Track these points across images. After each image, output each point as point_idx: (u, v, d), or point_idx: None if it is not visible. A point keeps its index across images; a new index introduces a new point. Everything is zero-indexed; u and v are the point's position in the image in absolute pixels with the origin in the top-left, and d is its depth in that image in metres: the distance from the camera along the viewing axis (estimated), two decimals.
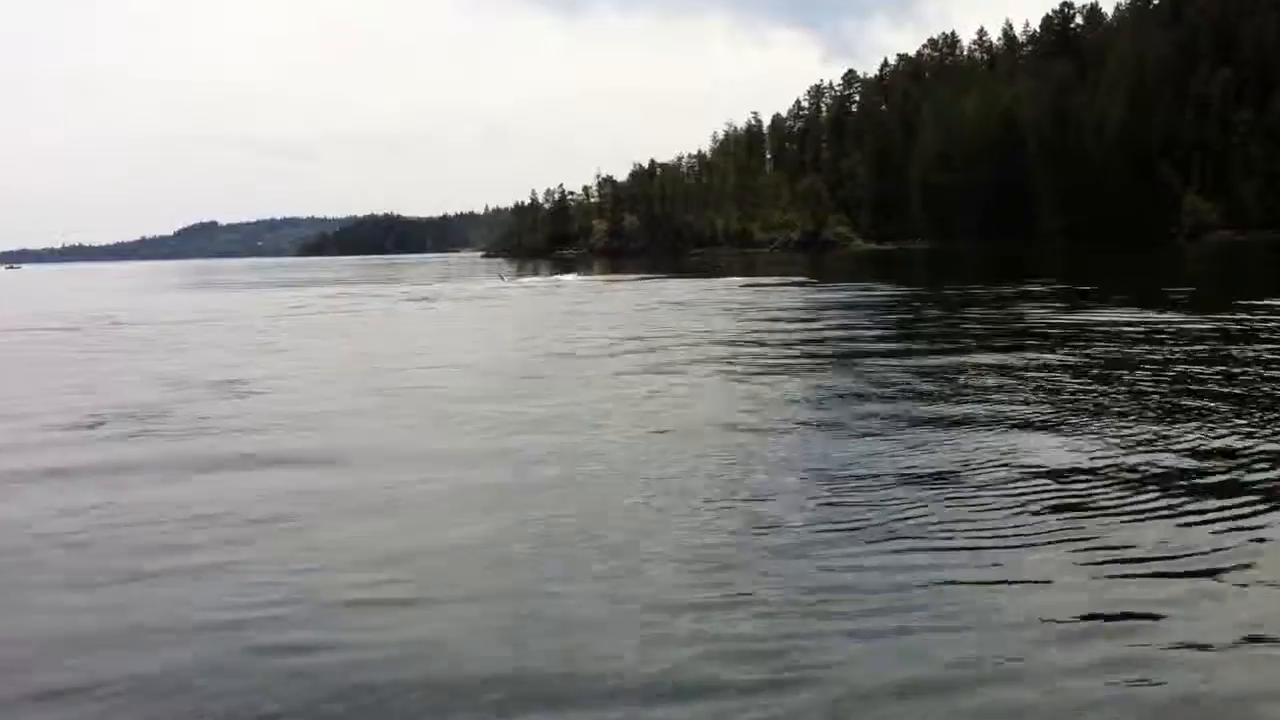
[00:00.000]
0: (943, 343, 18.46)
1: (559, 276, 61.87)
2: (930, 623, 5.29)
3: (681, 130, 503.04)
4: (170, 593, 6.13)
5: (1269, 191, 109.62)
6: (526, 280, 59.68)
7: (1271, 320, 19.99)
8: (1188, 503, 7.32)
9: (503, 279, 60.70)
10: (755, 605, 5.60)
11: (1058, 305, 26.18)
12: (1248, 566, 6.01)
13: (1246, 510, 7.11)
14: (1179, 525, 6.80)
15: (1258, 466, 8.34)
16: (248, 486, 8.69)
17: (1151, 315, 22.00)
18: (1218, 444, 9.22)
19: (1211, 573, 5.92)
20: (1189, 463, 8.55)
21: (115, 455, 10.19)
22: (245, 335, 25.07)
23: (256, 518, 7.64)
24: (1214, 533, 6.65)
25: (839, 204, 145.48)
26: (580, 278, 59.22)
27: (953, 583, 5.84)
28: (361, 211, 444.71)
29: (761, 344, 19.07)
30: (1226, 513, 7.05)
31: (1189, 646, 4.95)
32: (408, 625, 5.51)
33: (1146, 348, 16.31)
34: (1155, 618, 5.28)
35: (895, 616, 5.37)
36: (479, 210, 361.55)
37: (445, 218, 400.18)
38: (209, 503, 8.07)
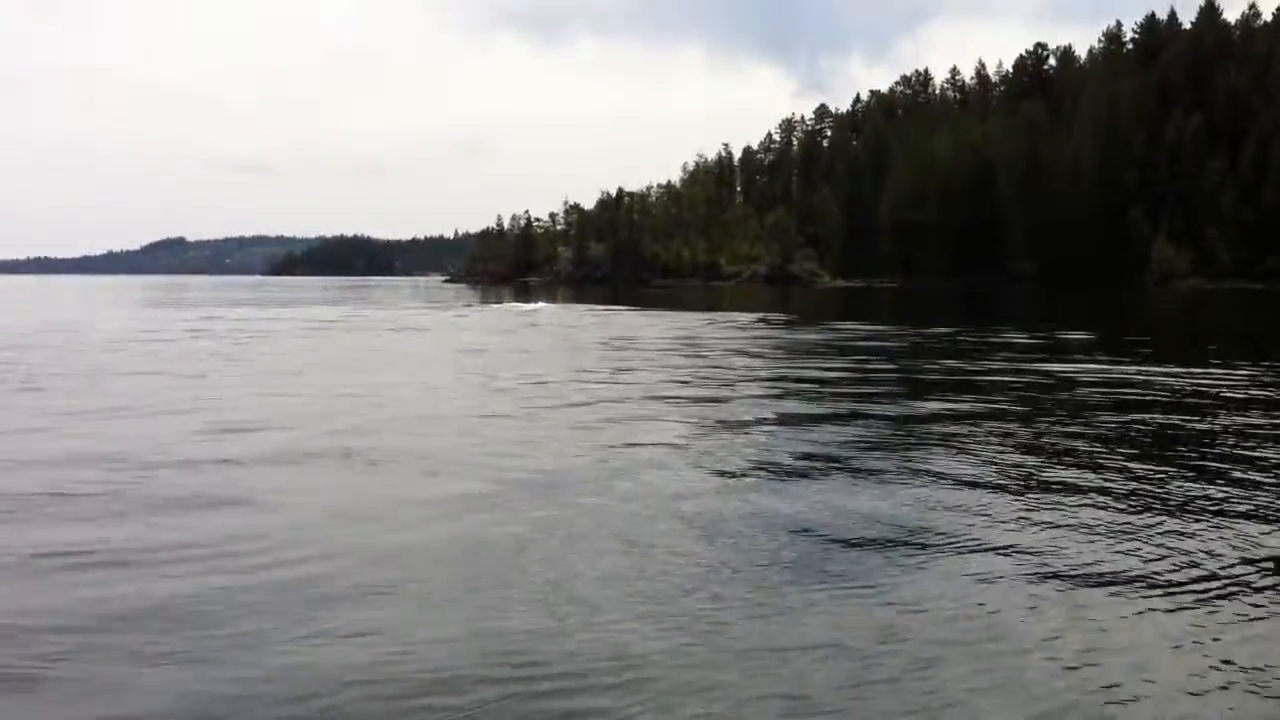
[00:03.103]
0: (908, 391, 15.77)
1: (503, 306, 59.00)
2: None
3: (653, 160, 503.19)
4: None
5: (1239, 240, 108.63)
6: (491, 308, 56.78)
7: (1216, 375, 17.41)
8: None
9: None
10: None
11: (1026, 353, 23.68)
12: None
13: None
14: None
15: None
16: None
17: (1109, 366, 19.47)
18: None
19: None
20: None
21: None
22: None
23: None
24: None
25: (807, 239, 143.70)
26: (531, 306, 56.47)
27: None
28: (331, 232, 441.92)
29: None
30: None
31: None
32: None
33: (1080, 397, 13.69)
34: None
35: None
36: (449, 234, 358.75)
37: (415, 241, 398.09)
38: None
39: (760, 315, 44.63)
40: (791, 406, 14.66)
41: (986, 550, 7.11)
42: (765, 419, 13.40)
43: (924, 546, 7.21)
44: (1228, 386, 16.71)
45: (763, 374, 19.90)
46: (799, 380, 18.20)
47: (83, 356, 23.19)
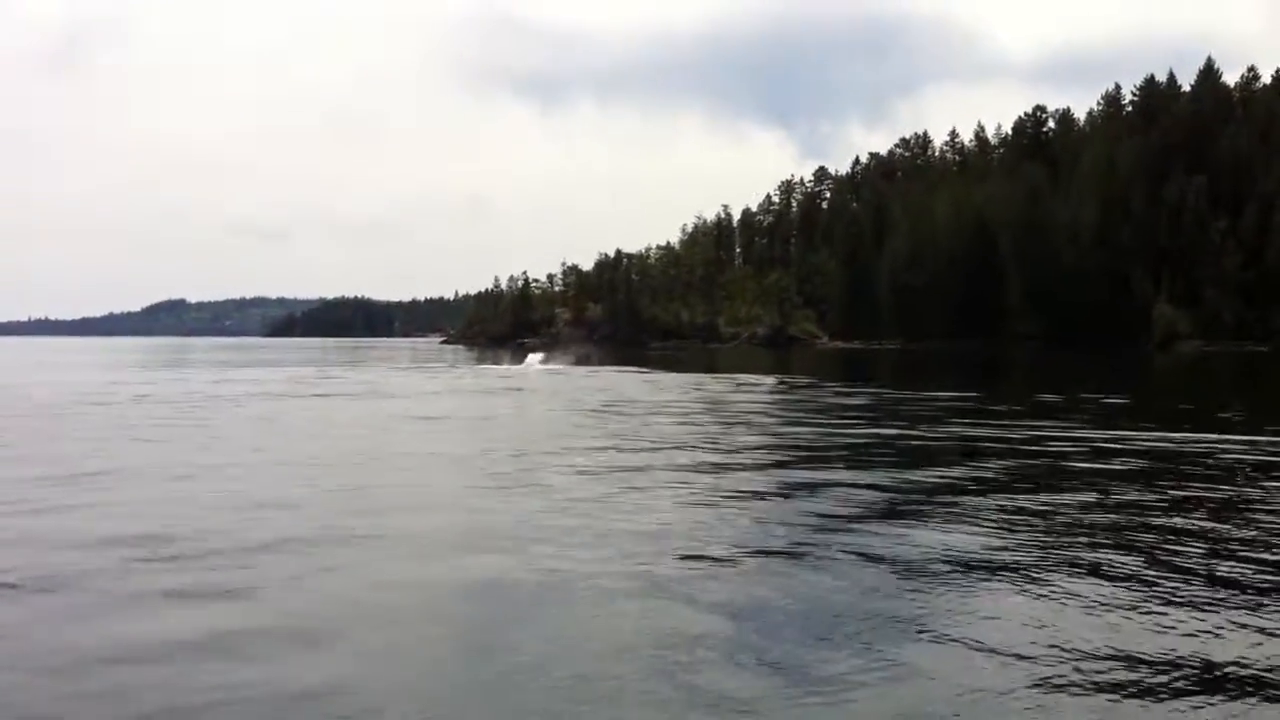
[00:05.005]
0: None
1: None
2: None
3: (653, 222, 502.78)
4: None
5: (1241, 302, 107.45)
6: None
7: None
8: None
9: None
10: None
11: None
12: None
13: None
14: None
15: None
16: None
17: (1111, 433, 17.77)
18: None
19: None
20: None
21: None
22: None
23: None
24: None
25: (806, 300, 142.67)
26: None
27: None
28: (331, 293, 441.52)
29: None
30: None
31: None
32: None
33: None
34: None
35: None
36: (448, 295, 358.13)
37: (414, 302, 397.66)
38: None
39: (779, 377, 43.04)
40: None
41: None
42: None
43: None
44: None
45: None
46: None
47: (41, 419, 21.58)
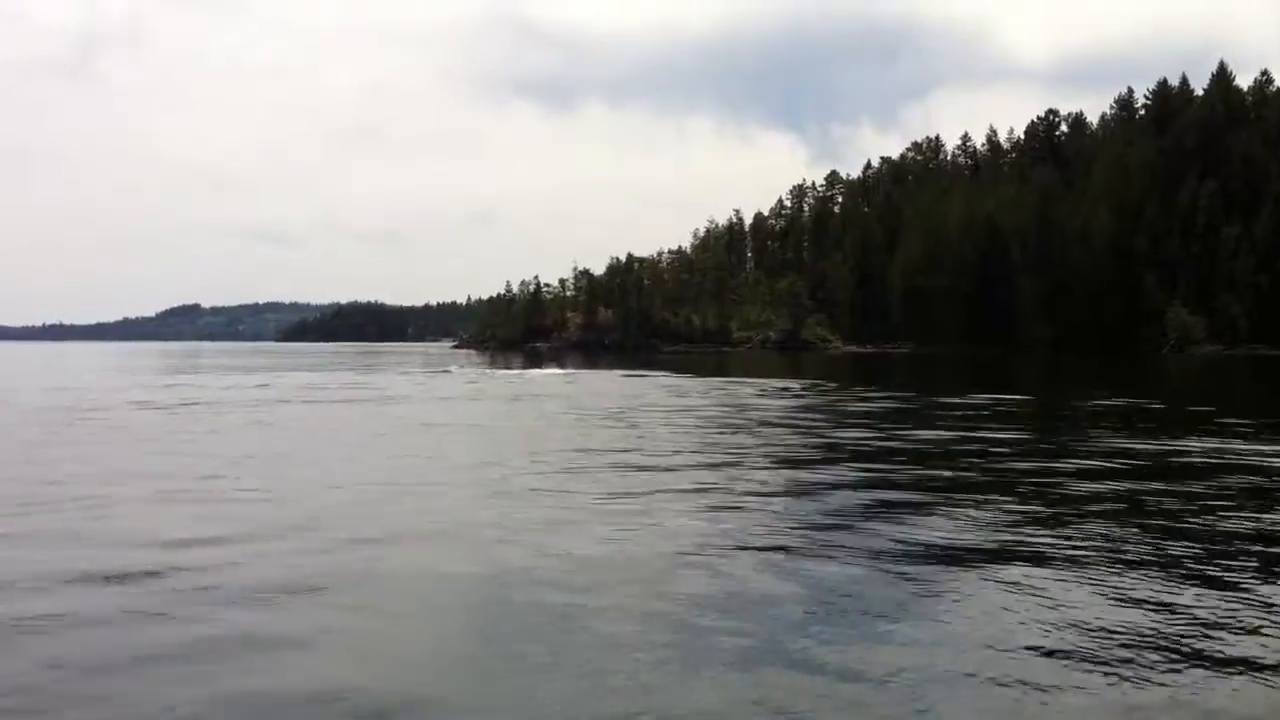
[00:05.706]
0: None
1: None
2: None
3: (665, 226, 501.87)
4: None
5: (1256, 306, 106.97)
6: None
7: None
8: None
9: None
10: None
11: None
12: None
13: None
14: None
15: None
16: None
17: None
18: None
19: None
20: None
21: None
22: None
23: None
24: None
25: (818, 304, 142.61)
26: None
27: None
28: (344, 299, 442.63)
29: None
30: None
31: None
32: None
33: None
34: None
35: None
36: (460, 300, 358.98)
37: (427, 307, 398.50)
38: None
39: (802, 382, 42.84)
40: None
41: None
42: None
43: None
44: None
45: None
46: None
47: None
